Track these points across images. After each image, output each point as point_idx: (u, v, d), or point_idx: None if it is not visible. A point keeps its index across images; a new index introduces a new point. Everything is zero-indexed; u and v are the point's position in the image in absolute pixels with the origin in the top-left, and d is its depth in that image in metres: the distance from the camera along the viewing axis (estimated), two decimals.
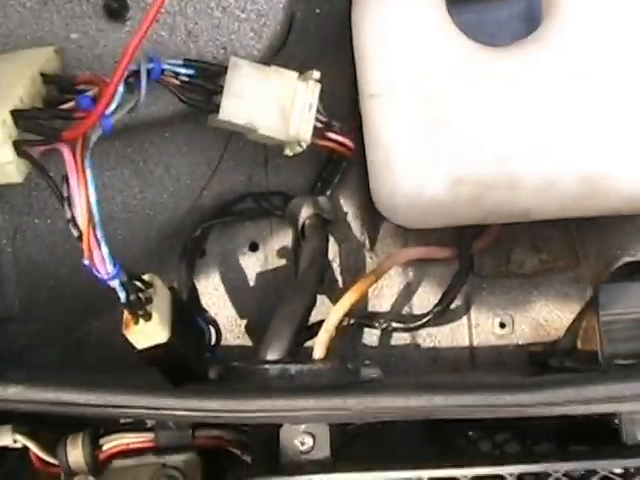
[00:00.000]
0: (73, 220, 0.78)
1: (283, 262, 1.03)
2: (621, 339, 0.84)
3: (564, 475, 0.76)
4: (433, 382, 0.83)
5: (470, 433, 0.93)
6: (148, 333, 0.83)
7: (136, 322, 0.83)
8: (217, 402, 0.78)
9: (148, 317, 0.83)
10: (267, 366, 0.87)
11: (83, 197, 0.77)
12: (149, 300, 0.84)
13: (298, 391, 0.79)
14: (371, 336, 1.02)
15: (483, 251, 1.00)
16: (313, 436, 0.81)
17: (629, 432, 0.78)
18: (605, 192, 0.89)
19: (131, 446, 0.93)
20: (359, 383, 0.84)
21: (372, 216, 1.01)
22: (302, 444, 0.81)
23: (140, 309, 0.83)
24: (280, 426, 0.81)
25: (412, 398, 0.75)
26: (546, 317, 1.01)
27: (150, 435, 0.93)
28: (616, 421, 0.79)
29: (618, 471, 0.76)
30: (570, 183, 0.88)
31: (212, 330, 0.96)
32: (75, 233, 0.78)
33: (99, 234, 0.78)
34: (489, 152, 0.89)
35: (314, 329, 0.94)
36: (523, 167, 0.88)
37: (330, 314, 0.93)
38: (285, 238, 1.03)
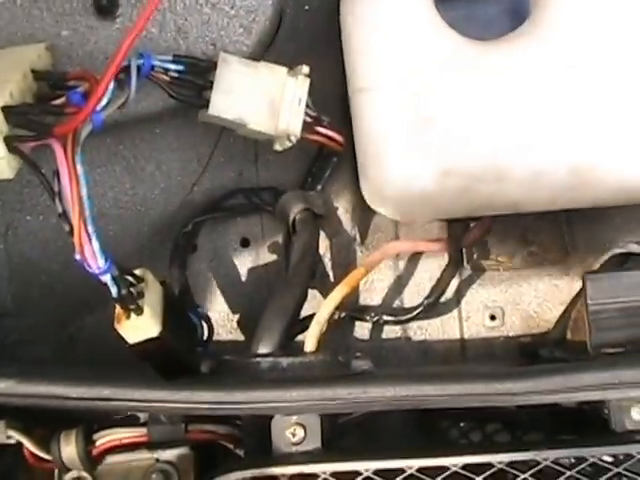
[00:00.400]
0: (64, 215, 0.78)
1: (274, 257, 1.04)
2: (609, 328, 0.84)
3: (553, 462, 0.77)
4: (422, 372, 0.83)
5: (461, 424, 0.93)
6: (140, 327, 0.83)
7: (128, 317, 0.83)
8: (208, 394, 0.79)
9: (140, 311, 0.83)
10: (259, 359, 0.88)
11: (74, 192, 0.77)
12: (141, 294, 0.84)
13: (289, 382, 0.79)
14: (362, 329, 1.03)
15: (473, 244, 1.00)
16: (304, 427, 0.81)
17: (617, 419, 0.79)
18: (593, 183, 0.90)
19: (124, 441, 0.93)
20: (350, 375, 0.85)
21: (362, 210, 1.01)
22: (293, 435, 0.81)
23: (132, 303, 0.83)
24: (271, 418, 0.82)
25: (402, 388, 0.75)
26: (536, 309, 1.02)
27: (143, 430, 0.93)
28: (605, 410, 0.80)
29: (607, 458, 0.77)
30: (558, 175, 0.89)
31: (204, 325, 0.97)
32: (66, 228, 0.79)
33: (90, 229, 0.78)
34: (478, 145, 0.89)
35: (305, 323, 0.95)
36: (511, 159, 0.89)
37: (321, 307, 0.94)
38: (276, 233, 1.03)
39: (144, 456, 0.92)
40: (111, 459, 0.93)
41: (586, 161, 0.89)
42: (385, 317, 1.00)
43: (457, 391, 0.76)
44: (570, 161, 0.89)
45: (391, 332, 1.03)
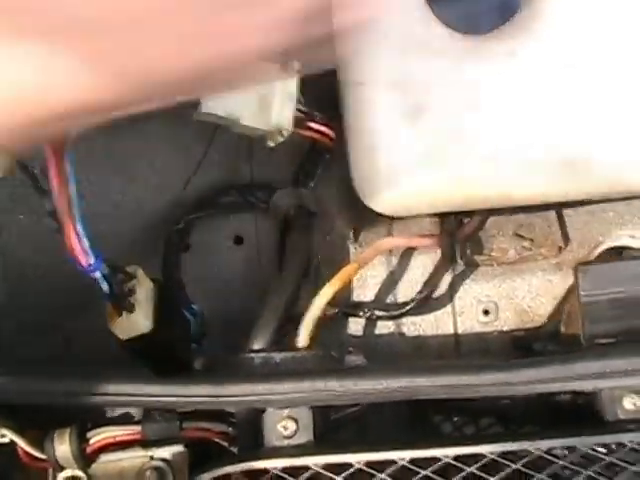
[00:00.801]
0: (54, 213, 0.79)
1: (268, 254, 1.04)
2: (601, 319, 0.84)
3: (545, 453, 0.76)
4: (414, 364, 0.83)
5: (455, 419, 0.93)
6: (131, 324, 0.84)
7: (119, 314, 0.84)
8: (200, 387, 0.79)
9: (131, 308, 0.83)
10: (252, 355, 0.88)
11: (62, 190, 0.78)
12: (132, 292, 0.84)
13: (281, 375, 0.79)
14: (356, 325, 1.02)
15: (466, 239, 1.00)
16: (296, 420, 0.81)
17: (610, 409, 0.79)
18: (587, 177, 0.90)
19: (118, 439, 0.93)
20: (342, 369, 0.85)
21: (356, 207, 1.00)
22: (285, 429, 0.81)
23: (123, 301, 0.83)
24: (264, 412, 0.82)
25: (394, 379, 0.75)
26: (530, 303, 1.01)
27: (137, 428, 0.93)
28: (598, 400, 0.79)
29: (600, 448, 0.77)
30: (551, 168, 0.89)
31: (197, 321, 0.97)
32: (56, 226, 0.79)
33: (79, 227, 0.78)
34: (471, 138, 0.89)
35: (299, 319, 0.94)
36: (505, 152, 0.89)
37: (313, 303, 0.94)
38: (269, 231, 1.03)
39: (138, 454, 0.92)
40: (105, 457, 0.92)
41: (580, 154, 0.89)
42: (378, 313, 1.00)
43: (449, 382, 0.76)
44: (563, 154, 0.89)
45: (384, 328, 1.02)
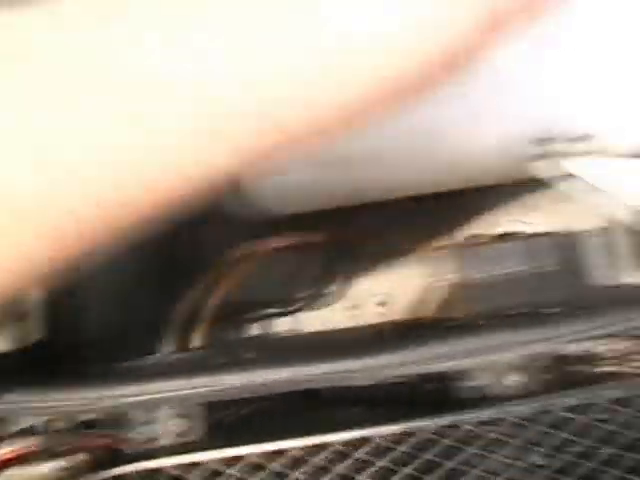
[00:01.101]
0: None
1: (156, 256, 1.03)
2: (477, 300, 0.86)
3: (432, 433, 0.78)
4: (286, 355, 0.82)
5: (351, 408, 0.94)
6: (21, 333, 0.84)
7: (8, 323, 0.83)
8: (91, 392, 0.78)
9: (20, 317, 0.83)
10: (144, 357, 0.88)
11: None
12: (21, 300, 0.84)
13: (168, 374, 0.79)
14: (250, 324, 1.03)
15: (356, 233, 1.02)
16: (188, 418, 0.81)
17: (489, 385, 0.80)
18: (461, 166, 0.92)
19: (18, 453, 0.92)
20: (228, 364, 0.85)
21: (247, 204, 1.01)
22: (176, 426, 0.81)
23: (12, 309, 0.83)
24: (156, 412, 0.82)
25: (270, 371, 0.75)
26: (421, 293, 1.03)
27: (38, 439, 0.92)
28: (475, 379, 0.81)
29: (482, 426, 0.79)
30: (428, 158, 0.91)
31: (90, 328, 0.97)
32: None
33: None
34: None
35: (194, 320, 0.95)
36: (384, 145, 0.90)
37: (205, 304, 0.94)
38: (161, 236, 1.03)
39: (41, 467, 0.91)
40: (7, 472, 0.92)
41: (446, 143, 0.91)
42: (273, 310, 1.01)
43: (321, 370, 0.75)
44: (442, 144, 0.91)
45: (280, 325, 1.03)
